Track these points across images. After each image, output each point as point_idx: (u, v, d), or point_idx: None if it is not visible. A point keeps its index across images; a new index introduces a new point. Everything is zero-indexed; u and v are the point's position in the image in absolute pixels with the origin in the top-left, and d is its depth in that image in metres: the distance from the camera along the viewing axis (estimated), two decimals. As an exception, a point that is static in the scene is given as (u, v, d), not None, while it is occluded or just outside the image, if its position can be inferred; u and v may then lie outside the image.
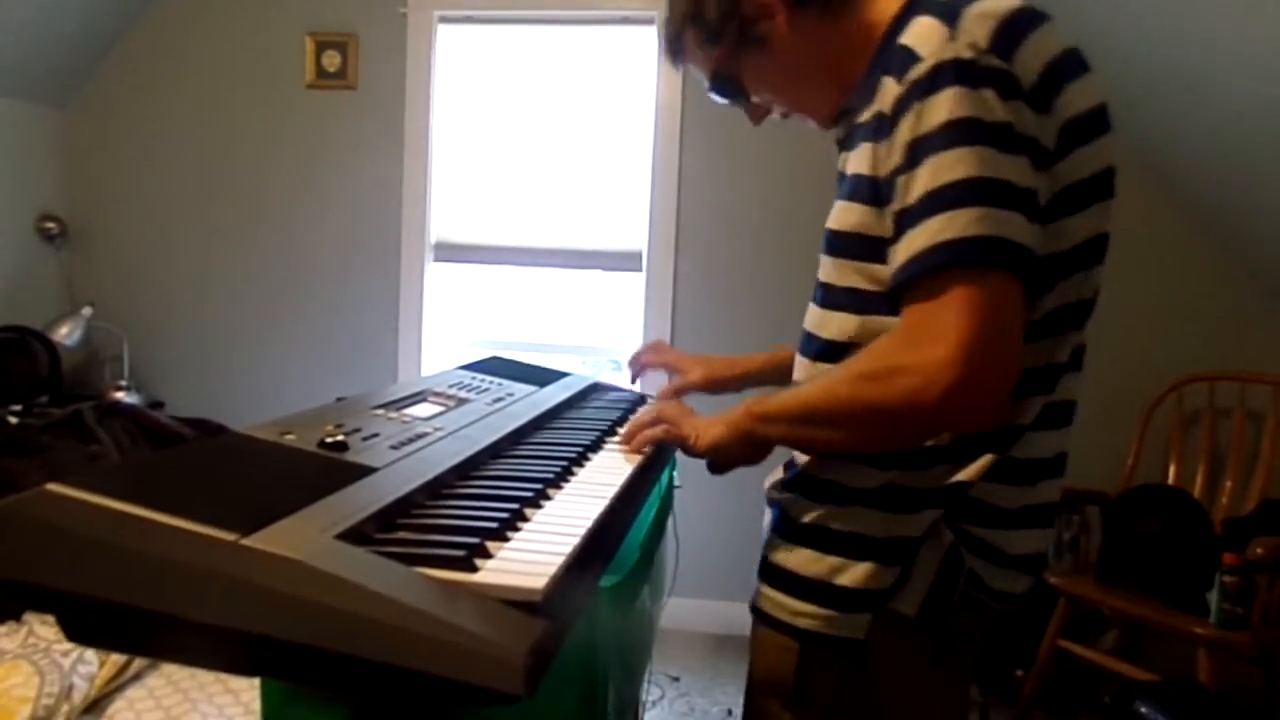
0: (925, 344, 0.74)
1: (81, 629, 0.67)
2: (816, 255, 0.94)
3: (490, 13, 3.10)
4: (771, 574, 0.95)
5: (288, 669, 0.65)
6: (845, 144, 0.94)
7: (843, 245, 0.89)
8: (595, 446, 1.14)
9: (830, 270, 0.91)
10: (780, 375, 1.32)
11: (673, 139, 3.01)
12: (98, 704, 1.59)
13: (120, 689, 1.63)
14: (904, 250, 0.77)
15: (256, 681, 1.22)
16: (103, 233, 3.31)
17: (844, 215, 0.88)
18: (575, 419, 1.32)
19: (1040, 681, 2.48)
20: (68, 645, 1.62)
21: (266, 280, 3.25)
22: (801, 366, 0.97)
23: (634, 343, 3.11)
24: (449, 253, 3.21)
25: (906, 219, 0.77)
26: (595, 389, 1.61)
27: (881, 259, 0.82)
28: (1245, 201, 2.58)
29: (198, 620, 0.62)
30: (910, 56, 0.79)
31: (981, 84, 0.75)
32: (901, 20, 0.84)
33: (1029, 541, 0.91)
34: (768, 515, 1.00)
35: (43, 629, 1.69)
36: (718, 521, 2.94)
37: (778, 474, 0.98)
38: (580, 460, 1.06)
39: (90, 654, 1.62)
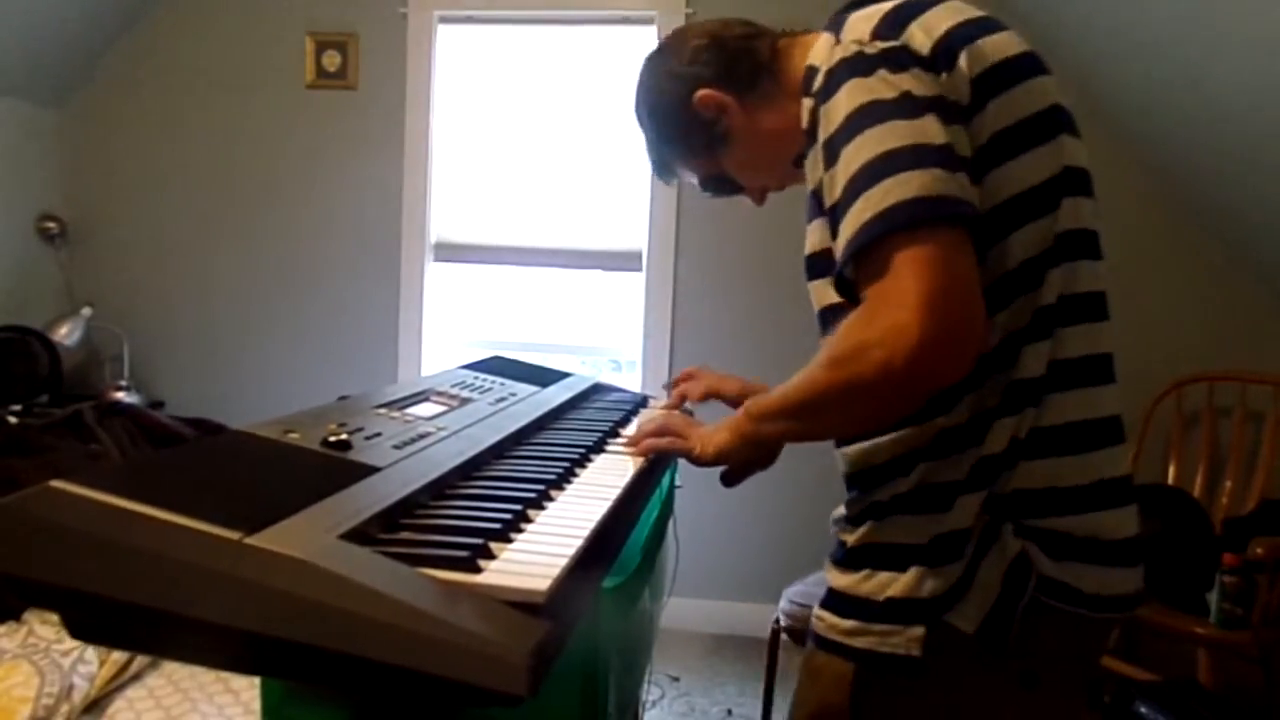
0: (882, 314, 0.74)
1: (85, 626, 0.67)
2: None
3: (490, 13, 3.10)
4: (826, 599, 0.92)
5: (290, 668, 0.65)
6: None
7: (817, 268, 0.91)
8: (598, 448, 1.14)
9: (816, 296, 0.93)
10: None
11: (673, 139, 3.01)
12: (98, 704, 1.59)
13: (120, 689, 1.63)
14: (841, 241, 0.78)
15: (256, 681, 1.22)
16: (103, 233, 3.31)
17: (812, 236, 0.91)
18: (578, 420, 1.32)
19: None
20: (68, 645, 1.62)
21: (266, 280, 3.25)
22: None
23: (634, 342, 3.11)
24: (449, 253, 3.21)
25: (838, 213, 0.79)
26: (597, 389, 1.61)
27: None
28: (1246, 201, 2.58)
29: (201, 618, 0.62)
30: (812, 73, 0.86)
31: (872, 70, 0.80)
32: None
33: (1119, 522, 0.86)
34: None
35: (43, 629, 1.69)
36: (717, 522, 2.94)
37: (841, 509, 0.96)
38: (583, 461, 1.06)
39: (90, 653, 1.62)
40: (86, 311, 3.15)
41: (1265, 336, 2.77)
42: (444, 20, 3.12)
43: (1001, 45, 0.84)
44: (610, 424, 1.28)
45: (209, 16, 3.20)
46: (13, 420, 2.45)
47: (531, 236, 3.15)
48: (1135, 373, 2.72)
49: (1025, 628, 0.81)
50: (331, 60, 3.14)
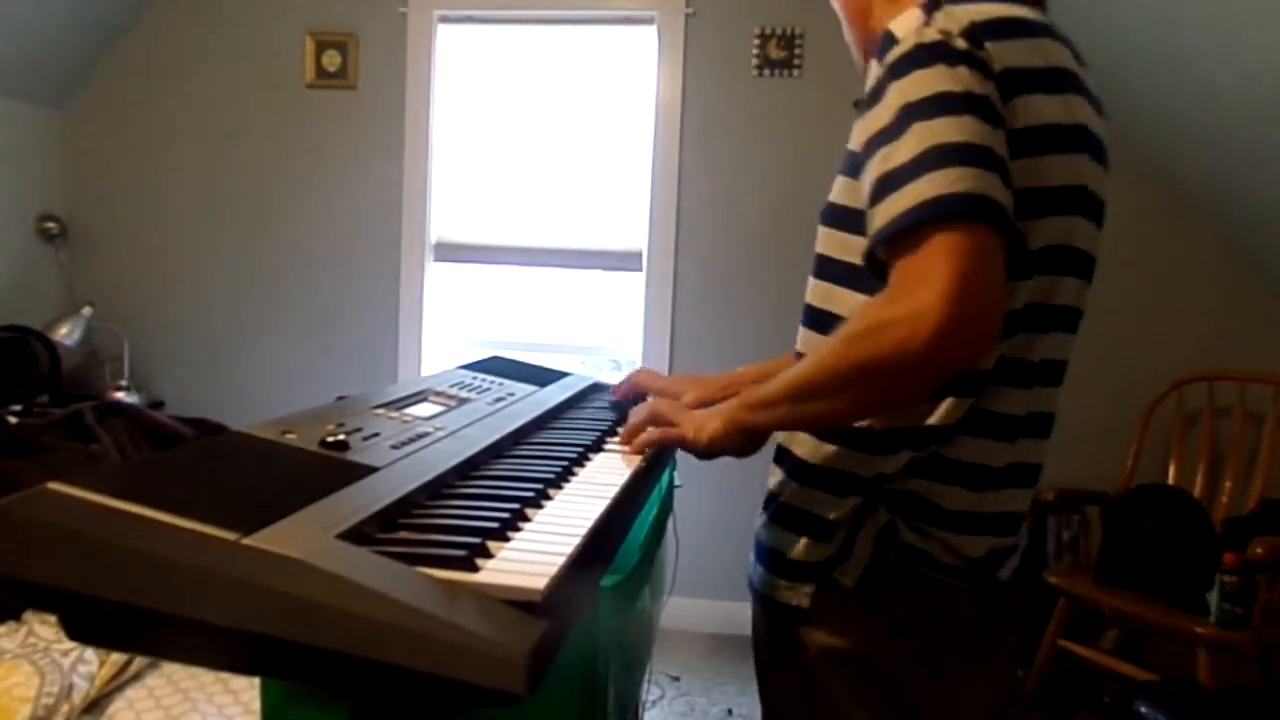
0: (909, 294, 0.75)
1: (83, 628, 0.67)
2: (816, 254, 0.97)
3: (490, 12, 3.10)
4: (756, 547, 1.04)
5: (289, 669, 0.65)
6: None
7: (833, 216, 0.95)
8: (596, 446, 1.14)
9: (824, 242, 0.97)
10: None
11: (673, 139, 3.02)
12: (98, 704, 1.59)
13: (120, 689, 1.63)
14: (884, 213, 0.78)
15: (256, 681, 1.22)
16: (103, 233, 3.31)
17: (836, 188, 0.95)
18: (576, 419, 1.32)
19: (1040, 681, 2.48)
20: (68, 645, 1.62)
21: (266, 280, 3.25)
22: (803, 339, 1.01)
23: (634, 342, 3.11)
24: (449, 253, 3.21)
25: (889, 184, 0.79)
26: (596, 389, 1.61)
27: (862, 232, 0.84)
28: (1245, 201, 2.58)
29: (199, 619, 0.62)
30: (890, 40, 0.85)
31: (959, 63, 0.80)
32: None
33: (978, 546, 0.94)
34: None
35: (43, 629, 1.69)
36: (717, 521, 2.94)
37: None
38: (581, 460, 1.06)
39: (90, 654, 1.62)
40: (86, 311, 3.15)
41: (1265, 336, 2.77)
42: (444, 20, 3.12)
43: (1059, 110, 0.86)
44: (609, 423, 1.28)
45: (209, 16, 3.20)
46: (13, 420, 2.45)
47: (531, 236, 3.15)
48: (1135, 373, 2.74)
49: (892, 585, 0.92)
50: (331, 60, 3.14)
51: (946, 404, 0.88)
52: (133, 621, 0.63)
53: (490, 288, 3.26)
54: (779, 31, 2.95)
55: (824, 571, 0.94)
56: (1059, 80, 0.87)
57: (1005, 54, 0.83)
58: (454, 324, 3.27)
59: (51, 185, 3.26)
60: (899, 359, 0.75)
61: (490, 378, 1.42)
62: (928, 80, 0.80)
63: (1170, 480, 2.63)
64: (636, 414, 1.13)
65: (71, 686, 1.55)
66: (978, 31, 0.83)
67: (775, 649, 1.01)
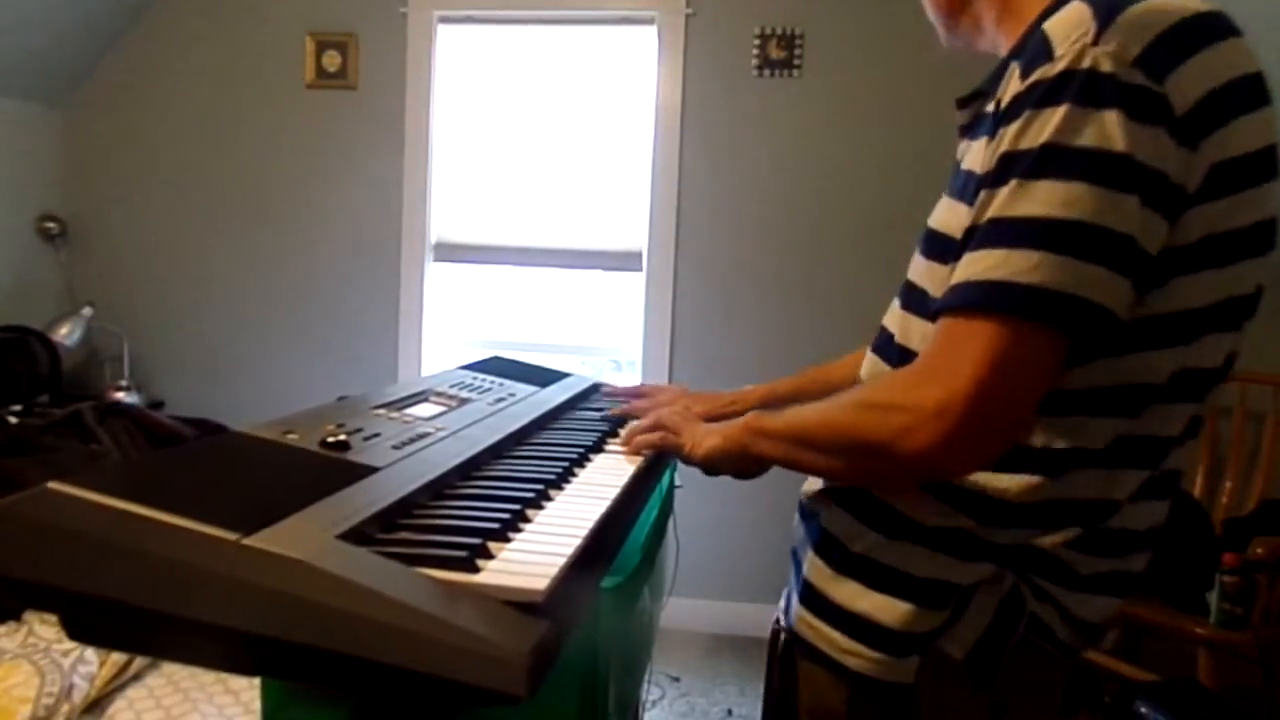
0: (929, 384, 0.70)
1: (83, 628, 0.67)
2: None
3: (490, 12, 3.10)
4: (816, 603, 0.88)
5: (289, 669, 0.65)
6: (968, 132, 0.84)
7: (940, 249, 0.80)
8: (597, 447, 1.14)
9: (923, 273, 0.84)
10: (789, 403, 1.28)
11: (673, 139, 3.01)
12: (98, 704, 1.59)
13: (120, 689, 1.63)
14: (959, 272, 0.72)
15: (256, 681, 1.22)
16: (103, 233, 3.31)
17: (949, 215, 0.80)
18: (577, 420, 1.32)
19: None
20: (68, 645, 1.62)
21: (267, 280, 3.25)
22: (868, 366, 0.92)
23: (634, 342, 3.11)
24: (449, 253, 3.21)
25: (973, 239, 0.71)
26: (596, 389, 1.61)
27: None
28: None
29: (199, 619, 0.62)
30: (1043, 50, 0.70)
31: (1106, 104, 0.66)
32: (1060, 3, 0.73)
33: (1104, 606, 0.83)
34: (801, 527, 0.95)
35: (43, 629, 1.69)
36: (718, 522, 2.93)
37: (817, 483, 0.91)
38: (582, 461, 1.06)
39: (90, 654, 1.62)
40: (86, 311, 3.15)
41: (1265, 336, 2.76)
42: (444, 20, 3.12)
43: (1258, 131, 0.71)
44: (610, 424, 1.28)
45: (209, 16, 3.20)
46: (13, 420, 2.45)
47: (531, 236, 3.15)
48: (1135, 372, 2.74)
49: (1009, 661, 0.79)
50: (331, 60, 3.14)
51: (1134, 476, 0.77)
52: (133, 621, 0.63)
53: (490, 288, 3.26)
54: (779, 31, 2.95)
55: (928, 640, 0.80)
56: (1253, 93, 0.72)
57: (1195, 78, 0.68)
58: (454, 324, 3.27)
59: (51, 185, 3.26)
60: (889, 447, 0.72)
61: (491, 378, 1.42)
62: (1055, 123, 0.67)
63: (1170, 480, 2.63)
64: (643, 416, 1.14)
65: (71, 686, 1.55)
66: (1163, 52, 0.67)
67: None
